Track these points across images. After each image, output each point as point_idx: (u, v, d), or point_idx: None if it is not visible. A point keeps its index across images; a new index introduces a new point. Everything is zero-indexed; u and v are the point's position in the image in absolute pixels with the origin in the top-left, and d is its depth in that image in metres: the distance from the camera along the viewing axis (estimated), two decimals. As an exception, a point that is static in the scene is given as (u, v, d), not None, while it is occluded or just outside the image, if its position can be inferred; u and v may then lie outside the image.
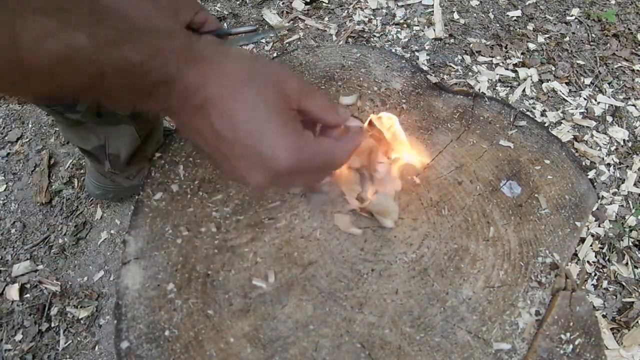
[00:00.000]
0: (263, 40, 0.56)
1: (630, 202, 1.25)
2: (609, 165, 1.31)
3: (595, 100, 1.43)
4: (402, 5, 1.64)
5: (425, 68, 1.46)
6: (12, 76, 0.32)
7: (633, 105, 1.42)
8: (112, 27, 0.34)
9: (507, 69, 1.48)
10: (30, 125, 1.40)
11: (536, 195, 0.62)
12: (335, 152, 0.44)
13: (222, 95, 0.38)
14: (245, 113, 0.38)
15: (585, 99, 1.43)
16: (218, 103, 0.38)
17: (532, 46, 1.53)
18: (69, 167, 1.32)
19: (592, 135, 1.36)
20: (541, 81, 1.46)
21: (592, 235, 1.19)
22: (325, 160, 0.43)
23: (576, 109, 1.41)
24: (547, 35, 1.56)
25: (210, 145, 0.40)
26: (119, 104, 0.38)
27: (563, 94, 1.44)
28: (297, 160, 0.39)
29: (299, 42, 1.55)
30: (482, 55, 1.51)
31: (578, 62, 1.50)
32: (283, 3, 1.65)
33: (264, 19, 1.60)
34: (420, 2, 1.64)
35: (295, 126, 0.40)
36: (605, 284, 1.13)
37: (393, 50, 1.50)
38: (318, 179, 0.48)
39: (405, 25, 1.59)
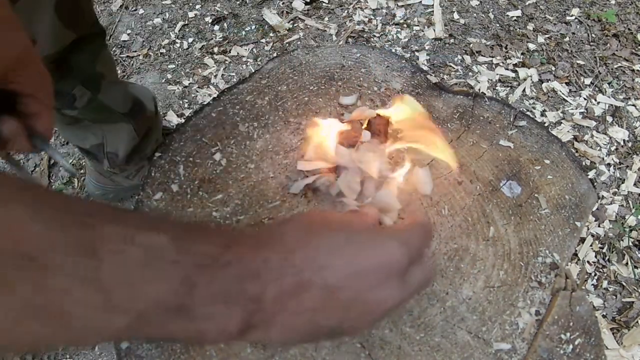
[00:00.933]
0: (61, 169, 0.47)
1: (630, 202, 1.25)
2: (609, 165, 1.31)
3: (595, 100, 1.43)
4: (402, 5, 1.64)
5: (425, 68, 1.46)
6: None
7: (633, 105, 1.42)
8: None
9: (507, 69, 1.48)
10: (30, 125, 1.40)
11: (536, 195, 0.62)
12: (422, 231, 0.39)
13: (307, 254, 0.32)
14: (343, 249, 0.33)
15: (585, 99, 1.43)
16: (312, 264, 0.32)
17: (532, 46, 1.53)
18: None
19: (592, 135, 1.36)
20: (541, 81, 1.46)
21: (592, 235, 1.19)
22: (424, 239, 0.39)
23: (576, 109, 1.41)
24: (547, 35, 1.56)
25: (329, 310, 0.32)
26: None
27: (563, 94, 1.44)
28: (408, 248, 0.36)
29: (299, 42, 1.55)
30: (482, 55, 1.51)
31: (578, 62, 1.50)
32: (283, 3, 1.65)
33: (263, 19, 1.60)
34: (420, 2, 1.64)
35: (380, 229, 0.38)
36: (605, 284, 1.13)
37: (393, 50, 1.50)
38: (427, 262, 0.41)
39: (405, 25, 1.59)
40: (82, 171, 1.31)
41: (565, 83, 1.46)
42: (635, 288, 1.12)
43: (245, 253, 0.30)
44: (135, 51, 1.56)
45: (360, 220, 0.37)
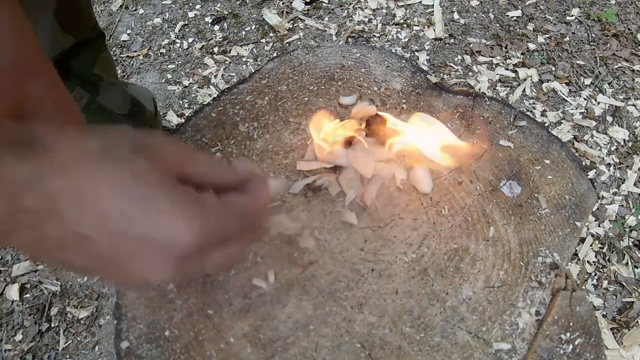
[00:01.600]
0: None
1: (630, 202, 1.25)
2: (609, 165, 1.31)
3: (595, 100, 1.43)
4: (402, 5, 1.64)
5: (425, 68, 1.46)
6: None
7: (633, 105, 1.42)
8: None
9: (507, 69, 1.48)
10: (30, 125, 1.40)
11: (536, 195, 0.62)
12: (250, 205, 0.34)
13: (75, 187, 0.27)
14: (118, 200, 0.28)
15: (585, 99, 1.43)
16: (73, 199, 0.27)
17: (532, 46, 1.53)
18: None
19: (592, 135, 1.36)
20: (541, 81, 1.46)
21: (592, 235, 1.19)
22: (243, 219, 0.34)
23: (576, 109, 1.41)
24: (547, 35, 1.56)
25: (79, 256, 0.29)
26: None
27: (563, 94, 1.44)
28: (206, 231, 0.30)
29: (299, 42, 1.55)
30: (482, 55, 1.51)
31: (578, 62, 1.50)
32: (283, 3, 1.65)
33: (263, 19, 1.60)
34: (420, 2, 1.64)
35: (187, 193, 0.31)
36: (605, 284, 1.13)
37: (393, 50, 1.50)
38: (241, 246, 0.37)
39: (405, 25, 1.59)
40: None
41: (565, 83, 1.46)
42: (635, 288, 1.12)
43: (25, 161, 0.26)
44: (135, 51, 1.56)
45: (172, 182, 0.31)
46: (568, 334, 0.53)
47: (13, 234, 0.27)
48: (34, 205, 0.27)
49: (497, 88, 1.45)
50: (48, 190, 0.27)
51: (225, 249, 0.33)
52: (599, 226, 1.21)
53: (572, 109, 1.41)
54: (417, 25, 1.58)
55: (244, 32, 1.59)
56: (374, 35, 1.56)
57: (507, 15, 1.61)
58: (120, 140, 0.30)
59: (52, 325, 1.09)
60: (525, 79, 1.46)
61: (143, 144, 0.31)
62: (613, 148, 1.34)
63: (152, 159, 0.30)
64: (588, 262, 1.15)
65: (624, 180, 1.29)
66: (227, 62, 1.52)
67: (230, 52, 1.54)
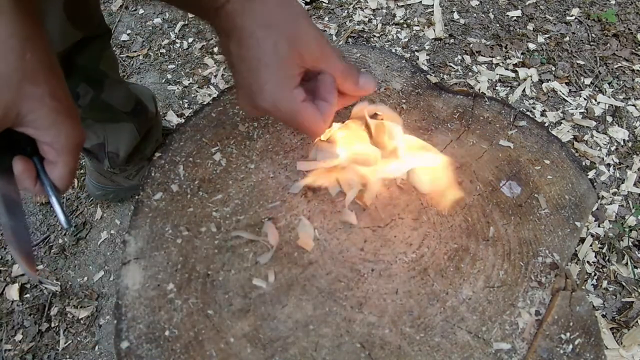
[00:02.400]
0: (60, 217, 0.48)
1: (630, 202, 1.25)
2: (609, 165, 1.31)
3: (595, 100, 1.43)
4: (402, 5, 1.64)
5: (425, 68, 1.46)
6: None
7: (633, 105, 1.42)
8: None
9: (507, 69, 1.48)
10: (30, 125, 1.40)
11: (536, 195, 0.62)
12: (313, 122, 0.47)
13: (244, 27, 0.43)
14: (253, 50, 0.43)
15: (585, 99, 1.43)
16: (239, 33, 0.43)
17: (532, 46, 1.54)
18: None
19: (592, 135, 1.36)
20: (541, 81, 1.46)
21: (592, 235, 1.19)
22: (298, 124, 0.47)
23: (576, 109, 1.41)
24: (547, 35, 1.56)
25: (229, 63, 0.47)
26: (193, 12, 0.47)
27: (563, 94, 1.44)
28: (272, 107, 0.45)
29: (299, 42, 1.55)
30: (482, 55, 1.51)
31: (578, 62, 1.50)
32: (283, 3, 1.65)
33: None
34: (420, 2, 1.64)
35: (288, 81, 0.45)
36: (605, 284, 1.13)
37: (393, 50, 1.50)
38: (294, 126, 0.51)
39: (405, 25, 1.59)
40: (81, 171, 1.31)
41: (565, 83, 1.46)
42: (635, 288, 1.12)
43: None
44: (135, 51, 1.56)
45: (292, 72, 0.46)
46: (568, 334, 0.53)
47: None
48: (228, 24, 0.44)
49: (497, 88, 1.45)
50: (237, 22, 0.43)
51: (281, 120, 0.49)
52: (598, 226, 1.21)
53: (572, 109, 1.41)
54: (417, 25, 1.58)
55: (244, 32, 1.59)
56: (374, 35, 1.56)
57: (507, 15, 1.61)
58: (294, 24, 0.44)
59: (52, 325, 1.09)
60: (525, 79, 1.46)
61: (303, 38, 0.45)
62: (613, 148, 1.34)
63: (299, 48, 0.44)
64: (588, 262, 1.15)
65: (624, 180, 1.29)
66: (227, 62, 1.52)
67: (230, 52, 1.54)
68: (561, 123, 1.37)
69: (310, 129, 0.48)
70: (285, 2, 0.45)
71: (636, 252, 1.17)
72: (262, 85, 0.44)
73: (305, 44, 0.45)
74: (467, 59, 1.50)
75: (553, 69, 1.49)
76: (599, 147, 1.34)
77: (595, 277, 1.14)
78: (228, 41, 0.45)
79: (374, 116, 0.62)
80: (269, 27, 0.43)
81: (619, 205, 1.24)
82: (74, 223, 1.21)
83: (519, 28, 1.58)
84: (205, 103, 0.69)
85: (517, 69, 1.48)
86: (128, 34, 1.60)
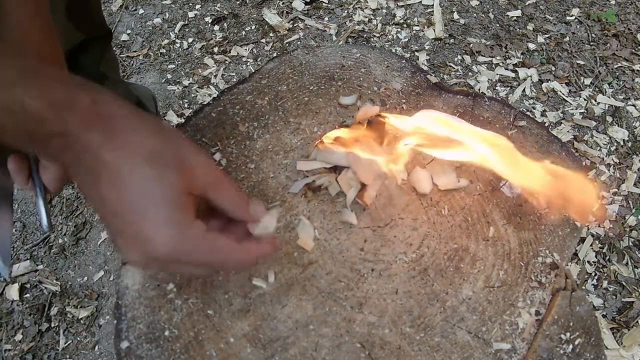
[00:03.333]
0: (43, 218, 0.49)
1: (630, 202, 1.25)
2: (609, 165, 1.31)
3: (595, 100, 1.43)
4: (402, 5, 1.64)
5: (425, 68, 1.46)
6: None
7: (633, 105, 1.42)
8: (11, 68, 0.33)
9: (507, 69, 1.48)
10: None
11: (536, 195, 0.62)
12: (230, 254, 0.40)
13: (117, 165, 0.35)
14: (135, 190, 0.36)
15: (585, 99, 1.43)
16: (111, 172, 0.35)
17: (532, 46, 1.53)
18: (69, 167, 1.32)
19: (592, 135, 1.36)
20: (541, 81, 1.46)
21: (592, 235, 1.19)
22: (214, 259, 0.40)
23: (576, 109, 1.41)
24: (547, 35, 1.56)
25: (98, 209, 0.38)
26: (8, 144, 0.35)
27: (563, 94, 1.44)
28: (175, 252, 0.37)
29: (299, 42, 1.55)
30: (482, 55, 1.51)
31: (578, 62, 1.50)
32: (283, 3, 1.65)
33: (263, 19, 1.60)
34: (420, 2, 1.64)
35: (184, 216, 0.37)
36: (605, 284, 1.13)
37: (393, 50, 1.50)
38: (207, 272, 0.45)
39: (405, 25, 1.59)
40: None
41: (565, 83, 1.46)
42: (635, 288, 1.12)
43: (68, 123, 0.34)
44: (135, 51, 1.56)
45: (182, 202, 0.38)
46: (568, 334, 0.53)
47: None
48: (89, 163, 0.35)
49: (497, 88, 1.45)
50: (102, 159, 0.35)
51: (193, 269, 0.41)
52: (599, 226, 1.21)
53: (572, 109, 1.41)
54: (417, 25, 1.58)
55: (244, 32, 1.59)
56: (374, 35, 1.56)
57: (507, 15, 1.61)
58: (171, 149, 0.37)
59: (52, 325, 1.09)
60: (525, 79, 1.46)
61: (186, 161, 0.38)
62: (613, 148, 1.34)
63: (185, 174, 0.37)
64: (588, 262, 1.15)
65: (624, 180, 1.29)
66: (227, 62, 1.52)
67: (230, 52, 1.54)
68: (561, 123, 1.37)
69: (229, 260, 0.41)
70: (160, 127, 0.38)
71: (636, 252, 1.17)
72: (154, 232, 0.36)
73: (194, 171, 0.38)
74: (467, 59, 1.50)
75: (553, 69, 1.49)
76: (599, 147, 1.34)
77: (596, 277, 1.14)
78: (94, 181, 0.36)
79: (376, 118, 0.62)
80: (151, 160, 0.36)
81: (619, 205, 1.24)
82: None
83: (519, 28, 1.58)
84: (205, 103, 0.69)
85: (517, 69, 1.48)
86: (128, 34, 1.60)
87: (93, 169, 0.35)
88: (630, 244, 1.18)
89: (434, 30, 1.55)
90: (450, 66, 1.48)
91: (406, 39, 1.55)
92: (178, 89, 1.47)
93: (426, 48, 1.53)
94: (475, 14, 1.62)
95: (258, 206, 0.44)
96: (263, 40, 1.56)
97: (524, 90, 1.44)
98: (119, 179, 0.35)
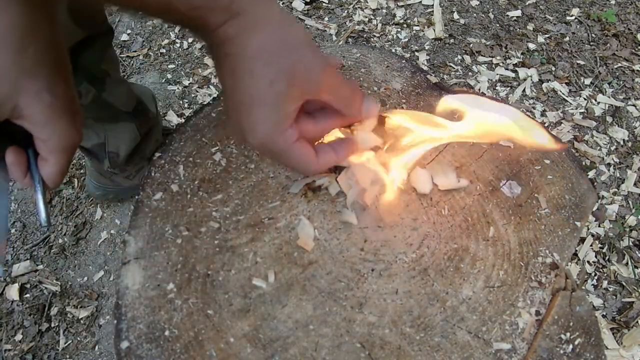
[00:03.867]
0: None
1: (630, 202, 1.25)
2: (609, 165, 1.31)
3: (595, 100, 1.43)
4: (402, 5, 1.64)
5: (425, 68, 1.46)
6: None
7: (633, 105, 1.42)
8: None
9: (507, 69, 1.48)
10: (30, 125, 1.40)
11: (536, 195, 0.62)
12: (303, 164, 0.45)
13: (242, 58, 0.39)
14: (248, 87, 0.39)
15: (585, 99, 1.43)
16: (236, 62, 0.39)
17: (532, 46, 1.54)
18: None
19: (592, 135, 1.36)
20: (541, 81, 1.46)
21: (592, 235, 1.19)
22: (292, 164, 0.45)
23: (576, 109, 1.41)
24: (547, 35, 1.56)
25: (222, 87, 0.44)
26: (161, 17, 0.40)
27: (563, 94, 1.44)
28: (264, 149, 0.43)
29: (299, 42, 1.55)
30: (482, 55, 1.51)
31: (578, 62, 1.50)
32: (283, 3, 1.65)
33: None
34: (420, 2, 1.64)
35: (283, 122, 0.42)
36: (605, 284, 1.13)
37: (393, 50, 1.50)
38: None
39: (405, 25, 1.59)
40: (81, 171, 1.31)
41: (565, 83, 1.46)
42: (635, 288, 1.12)
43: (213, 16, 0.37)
44: (135, 51, 1.56)
45: (288, 110, 0.42)
46: (568, 334, 0.53)
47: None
48: (223, 49, 0.39)
49: (497, 88, 1.45)
50: (232, 50, 0.39)
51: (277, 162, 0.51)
52: (599, 226, 1.21)
53: (572, 109, 1.41)
54: (417, 25, 1.58)
55: (244, 32, 1.59)
56: (374, 35, 1.56)
57: (507, 15, 1.61)
58: (295, 54, 0.40)
59: (52, 325, 1.09)
60: (525, 79, 1.46)
61: (305, 68, 0.40)
62: (613, 148, 1.34)
63: (300, 80, 0.40)
64: (588, 262, 1.15)
65: (624, 180, 1.29)
66: (227, 62, 1.52)
67: (230, 52, 1.54)
68: (561, 123, 1.37)
69: (300, 170, 0.47)
70: (286, 28, 0.40)
71: (636, 252, 1.17)
72: (253, 125, 0.41)
73: (307, 77, 0.41)
74: (467, 59, 1.50)
75: (553, 69, 1.49)
76: (599, 147, 1.34)
77: (595, 277, 1.14)
78: (221, 67, 0.41)
79: (381, 118, 0.62)
80: (267, 61, 0.39)
81: (619, 205, 1.24)
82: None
83: (519, 28, 1.58)
84: (205, 103, 0.69)
85: (517, 69, 1.48)
86: (128, 34, 1.60)
87: (223, 58, 0.40)
88: (630, 244, 1.18)
89: (434, 30, 1.55)
90: (450, 66, 1.48)
91: (406, 39, 1.55)
92: (178, 89, 1.47)
93: (426, 48, 1.53)
94: (475, 14, 1.62)
95: (371, 102, 0.48)
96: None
97: (524, 90, 1.44)
98: (237, 71, 0.39)
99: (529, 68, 1.48)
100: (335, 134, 0.61)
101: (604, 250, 1.17)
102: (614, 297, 1.12)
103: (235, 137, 0.47)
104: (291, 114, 0.42)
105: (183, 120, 0.76)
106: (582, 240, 1.17)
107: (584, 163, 1.30)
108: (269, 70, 0.39)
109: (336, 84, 0.44)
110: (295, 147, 0.43)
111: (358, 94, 0.47)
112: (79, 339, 1.08)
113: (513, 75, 1.47)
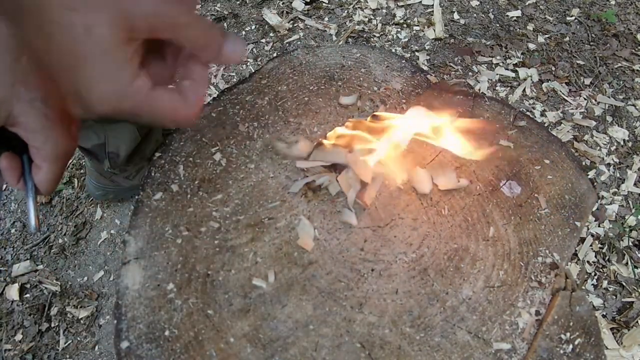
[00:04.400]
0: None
1: (630, 202, 1.25)
2: (609, 165, 1.31)
3: (595, 100, 1.43)
4: (402, 5, 1.64)
5: (425, 68, 1.46)
6: None
7: (633, 105, 1.42)
8: None
9: (507, 69, 1.48)
10: (30, 125, 1.40)
11: (536, 195, 0.62)
12: (171, 111, 0.37)
13: (45, 10, 0.30)
14: (61, 42, 0.31)
15: (585, 99, 1.43)
16: (39, 17, 0.31)
17: (532, 46, 1.54)
18: (69, 167, 1.32)
19: (592, 135, 1.36)
20: (541, 81, 1.46)
21: (592, 235, 1.19)
22: (158, 117, 0.37)
23: (576, 109, 1.41)
24: (547, 35, 1.56)
25: (31, 57, 0.36)
26: None
27: (563, 94, 1.44)
28: (114, 110, 0.34)
29: (299, 42, 1.55)
30: (482, 55, 1.51)
31: (578, 62, 1.50)
32: (283, 3, 1.65)
33: (263, 19, 1.60)
34: (420, 2, 1.64)
35: (123, 73, 0.33)
36: (605, 284, 1.13)
37: (393, 50, 1.50)
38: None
39: (405, 25, 1.59)
40: (81, 171, 1.31)
41: (565, 83, 1.46)
42: (635, 288, 1.12)
43: None
44: (135, 51, 1.56)
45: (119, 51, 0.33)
46: (568, 334, 0.53)
47: None
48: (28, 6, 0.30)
49: (497, 88, 1.45)
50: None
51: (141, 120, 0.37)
52: (599, 226, 1.21)
53: (572, 109, 1.41)
54: (417, 25, 1.58)
55: (244, 32, 1.59)
56: (374, 35, 1.56)
57: (507, 15, 1.61)
58: None
59: (52, 325, 1.09)
60: (525, 79, 1.46)
61: (125, 3, 0.31)
62: (613, 148, 1.34)
63: (124, 18, 0.31)
64: (588, 262, 1.15)
65: (624, 180, 1.29)
66: (227, 62, 1.52)
67: (230, 52, 1.54)
68: (561, 123, 1.37)
69: (175, 120, 0.38)
70: None
71: (636, 252, 1.17)
72: (90, 88, 0.33)
73: (134, 11, 0.32)
74: (467, 59, 1.50)
75: (553, 69, 1.49)
76: (599, 147, 1.34)
77: (595, 277, 1.14)
78: (24, 29, 0.32)
79: (374, 117, 0.62)
80: (71, 3, 0.30)
81: (619, 205, 1.24)
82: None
83: (519, 28, 1.58)
84: (205, 103, 0.69)
85: (517, 69, 1.48)
86: (128, 34, 1.60)
87: (18, 13, 0.31)
88: (630, 244, 1.18)
89: (434, 30, 1.55)
90: (450, 66, 1.48)
91: (406, 39, 1.55)
92: (178, 89, 1.47)
93: (426, 48, 1.53)
94: (475, 14, 1.62)
95: (235, 41, 0.38)
96: (263, 40, 1.56)
97: (524, 90, 1.44)
98: (42, 27, 0.31)
99: (529, 68, 1.48)
100: (338, 132, 0.61)
101: (603, 250, 1.17)
102: (614, 297, 1.12)
103: (84, 114, 0.35)
104: (130, 61, 0.34)
105: (183, 120, 0.75)
106: (582, 240, 1.17)
107: (584, 163, 1.30)
108: (77, 15, 0.30)
109: (180, 19, 0.34)
110: (154, 95, 0.35)
111: (214, 33, 0.37)
112: (79, 339, 1.08)
113: (513, 75, 1.47)
